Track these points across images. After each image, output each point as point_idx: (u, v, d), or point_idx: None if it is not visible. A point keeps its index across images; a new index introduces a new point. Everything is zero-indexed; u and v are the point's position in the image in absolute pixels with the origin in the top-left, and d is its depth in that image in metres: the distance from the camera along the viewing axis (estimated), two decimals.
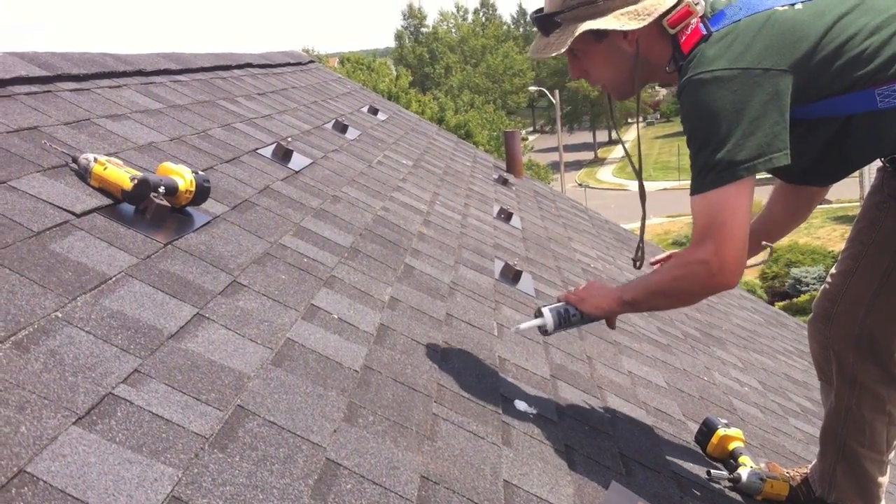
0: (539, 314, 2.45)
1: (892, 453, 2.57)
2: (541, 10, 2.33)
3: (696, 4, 2.13)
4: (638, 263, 2.65)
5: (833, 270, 2.57)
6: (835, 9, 2.04)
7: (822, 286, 2.62)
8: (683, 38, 2.14)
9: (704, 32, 2.10)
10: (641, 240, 2.69)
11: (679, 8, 2.14)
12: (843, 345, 2.50)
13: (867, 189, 2.61)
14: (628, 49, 2.23)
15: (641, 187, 2.58)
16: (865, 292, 2.44)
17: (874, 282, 2.42)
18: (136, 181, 2.26)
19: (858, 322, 2.46)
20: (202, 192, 2.47)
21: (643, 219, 2.65)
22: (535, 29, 2.39)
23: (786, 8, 2.06)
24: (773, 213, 2.69)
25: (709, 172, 2.06)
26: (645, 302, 2.39)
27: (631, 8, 2.16)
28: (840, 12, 2.03)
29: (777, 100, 2.00)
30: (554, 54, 2.27)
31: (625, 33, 2.20)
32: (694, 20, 2.13)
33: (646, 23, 2.15)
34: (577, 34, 2.20)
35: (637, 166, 2.51)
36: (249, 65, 5.73)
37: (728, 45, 2.03)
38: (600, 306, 2.41)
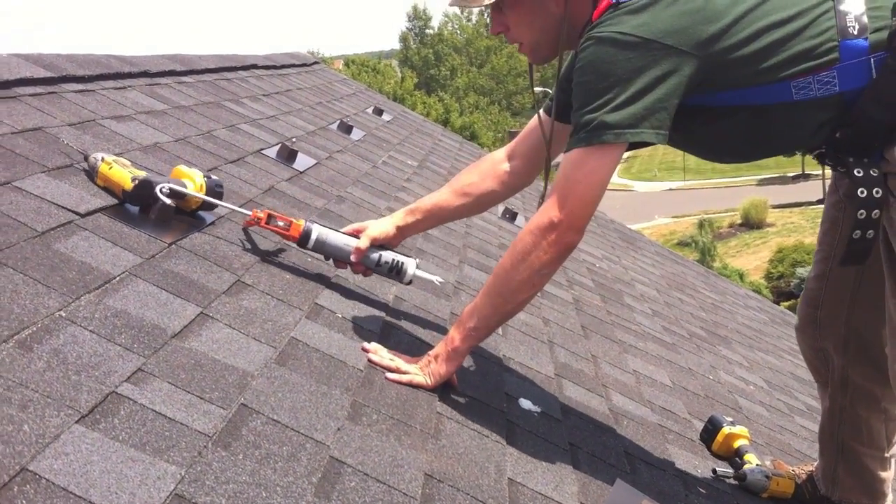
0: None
1: (894, 449, 2.56)
2: None
3: None
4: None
5: (810, 274, 2.57)
6: None
7: (803, 291, 2.61)
8: (599, 4, 2.05)
9: (614, 1, 2.00)
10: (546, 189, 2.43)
11: None
12: (832, 347, 2.50)
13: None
14: (555, 9, 2.13)
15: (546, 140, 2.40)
16: (844, 293, 2.43)
17: (849, 283, 2.41)
18: (136, 181, 2.26)
19: (843, 323, 2.46)
20: (214, 197, 2.45)
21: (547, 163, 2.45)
22: None
23: None
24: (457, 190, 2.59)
25: (581, 129, 1.99)
26: (494, 312, 2.17)
27: None
28: (754, 1, 1.97)
29: (671, 80, 1.93)
30: (479, 7, 2.17)
31: None
32: None
33: None
34: None
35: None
36: (254, 66, 5.74)
37: (634, 12, 1.95)
38: (439, 372, 2.16)
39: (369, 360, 2.14)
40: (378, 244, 2.49)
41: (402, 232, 2.55)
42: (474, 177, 2.57)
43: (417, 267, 2.53)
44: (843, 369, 2.49)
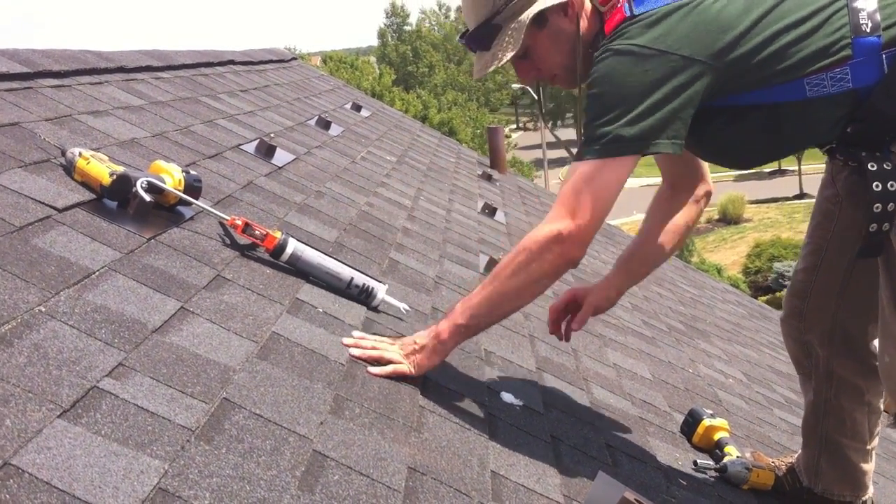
0: None
1: (876, 441, 2.59)
2: (466, 31, 2.23)
3: None
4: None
5: (798, 267, 2.58)
6: (762, 2, 1.99)
7: (790, 284, 2.63)
8: (608, 17, 2.08)
9: (627, 14, 2.02)
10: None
11: None
12: (817, 340, 2.52)
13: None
14: (570, 27, 2.15)
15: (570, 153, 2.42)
16: (833, 287, 2.45)
17: (839, 276, 2.43)
18: (114, 176, 2.25)
19: (830, 316, 2.48)
20: (192, 192, 2.44)
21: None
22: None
23: None
24: (651, 230, 2.58)
25: (594, 142, 1.99)
26: (487, 313, 2.17)
27: None
28: (769, 5, 1.99)
29: (687, 91, 1.95)
30: (510, 55, 2.15)
31: (566, 10, 2.13)
32: (620, 1, 2.06)
33: None
34: (527, 23, 2.11)
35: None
36: (232, 62, 5.71)
37: (649, 25, 1.97)
38: (423, 363, 2.15)
39: (351, 355, 2.13)
40: (594, 310, 2.53)
41: (621, 294, 2.61)
42: (664, 214, 2.57)
43: (386, 293, 2.56)
44: (827, 362, 2.51)
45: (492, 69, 2.21)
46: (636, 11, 2.02)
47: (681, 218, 2.54)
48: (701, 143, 2.20)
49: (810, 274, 2.50)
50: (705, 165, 2.53)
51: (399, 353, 2.17)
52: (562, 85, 2.32)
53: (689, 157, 2.40)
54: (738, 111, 2.07)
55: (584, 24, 2.16)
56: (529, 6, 2.11)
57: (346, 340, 2.18)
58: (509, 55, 2.14)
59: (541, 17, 2.13)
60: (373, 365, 2.13)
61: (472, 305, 2.15)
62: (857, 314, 2.43)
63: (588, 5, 2.16)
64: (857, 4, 1.98)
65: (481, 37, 2.18)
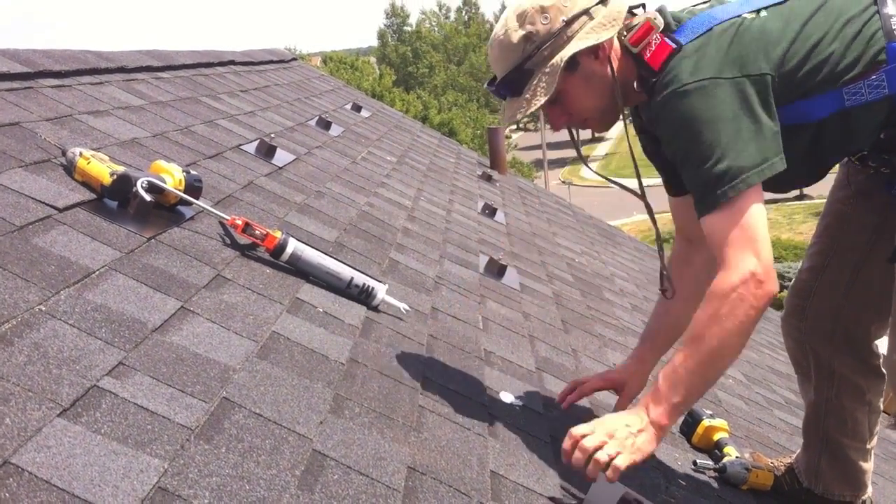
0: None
1: (875, 440, 2.60)
2: (494, 78, 2.17)
3: (654, 20, 2.04)
4: (668, 293, 2.39)
5: (802, 266, 2.59)
6: (799, 14, 2.00)
7: (792, 283, 2.63)
8: (648, 54, 2.03)
9: (674, 46, 1.99)
10: (663, 264, 2.43)
11: (639, 26, 2.05)
12: (819, 339, 2.53)
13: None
14: (602, 69, 2.09)
15: (648, 208, 2.36)
16: (837, 287, 2.46)
17: (846, 277, 2.43)
18: (115, 176, 2.25)
19: (833, 317, 2.48)
20: (193, 192, 2.44)
21: (658, 238, 2.43)
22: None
23: (753, 15, 2.00)
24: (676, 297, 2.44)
25: (718, 185, 1.91)
26: (703, 381, 2.04)
27: (594, 23, 2.05)
28: (804, 18, 1.99)
29: (766, 104, 1.94)
30: (542, 102, 2.08)
31: (596, 53, 2.07)
32: (656, 36, 2.03)
33: (617, 27, 2.05)
34: (560, 69, 2.05)
35: (639, 187, 2.34)
36: (232, 62, 5.72)
37: (705, 55, 1.95)
38: (649, 441, 1.98)
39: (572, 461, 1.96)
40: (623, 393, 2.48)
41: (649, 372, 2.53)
42: (688, 279, 2.45)
43: (386, 293, 2.56)
44: (829, 361, 2.51)
45: (521, 116, 2.15)
46: (682, 41, 1.99)
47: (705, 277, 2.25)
48: None
49: (815, 273, 2.50)
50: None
51: (613, 443, 1.95)
52: (594, 128, 2.26)
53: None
54: (785, 131, 2.01)
55: (621, 67, 2.10)
56: (560, 50, 2.05)
57: (566, 446, 1.98)
58: (542, 101, 2.08)
59: (572, 61, 2.07)
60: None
61: (682, 379, 1.99)
62: (861, 314, 2.44)
63: (617, 45, 2.11)
64: (888, 10, 1.99)
65: (512, 83, 2.11)
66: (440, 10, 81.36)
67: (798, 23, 1.99)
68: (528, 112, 2.11)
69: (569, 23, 2.04)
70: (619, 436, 1.94)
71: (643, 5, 2.13)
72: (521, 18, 2.07)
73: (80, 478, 1.21)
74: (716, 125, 1.91)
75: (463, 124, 48.19)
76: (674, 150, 2.04)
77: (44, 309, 1.62)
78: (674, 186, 2.36)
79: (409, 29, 76.87)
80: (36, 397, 1.34)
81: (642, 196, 2.34)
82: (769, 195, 2.12)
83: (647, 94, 2.08)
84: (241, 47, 6.78)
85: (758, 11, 2.01)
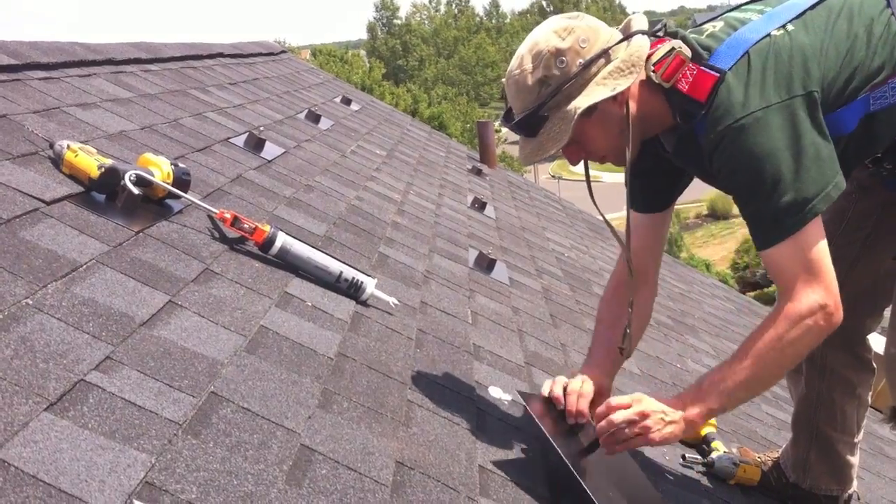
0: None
1: (861, 434, 2.61)
2: (511, 114, 2.11)
3: (681, 49, 1.98)
4: (625, 351, 2.32)
5: None
6: (823, 24, 1.98)
7: None
8: (686, 86, 1.97)
9: (716, 76, 1.93)
10: (628, 324, 2.30)
11: (671, 60, 1.98)
12: None
13: None
14: (619, 110, 2.04)
15: (629, 262, 2.27)
16: None
17: (841, 272, 2.44)
18: (103, 169, 2.24)
19: None
20: (181, 185, 2.43)
21: (628, 229, 2.31)
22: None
23: (781, 32, 1.96)
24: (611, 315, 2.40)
25: (785, 217, 1.91)
26: (747, 395, 2.11)
27: (611, 67, 1.99)
28: (829, 27, 1.98)
29: (816, 121, 1.91)
30: (557, 149, 2.05)
31: (615, 96, 2.01)
32: (689, 67, 1.97)
33: (635, 75, 1.99)
34: (576, 116, 1.99)
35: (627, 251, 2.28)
36: (221, 55, 5.69)
37: (750, 82, 1.91)
38: (674, 434, 2.02)
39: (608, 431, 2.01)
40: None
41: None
42: (618, 304, 2.40)
43: (376, 287, 2.56)
44: (821, 356, 2.52)
45: (537, 160, 2.14)
46: (724, 67, 1.93)
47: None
48: None
49: None
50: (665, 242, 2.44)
51: (656, 416, 2.00)
52: (613, 163, 2.21)
53: (661, 223, 2.39)
54: None
55: (644, 102, 2.06)
56: (577, 95, 1.99)
57: (599, 410, 2.04)
58: (557, 147, 2.05)
59: (591, 105, 2.01)
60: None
61: (727, 389, 2.01)
62: (852, 309, 2.44)
63: (638, 83, 2.04)
64: None
65: (527, 125, 2.06)
66: (430, 3, 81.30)
67: (826, 33, 1.97)
68: (543, 156, 2.10)
69: (586, 66, 1.98)
70: (651, 420, 1.99)
71: (664, 25, 2.06)
72: (537, 60, 2.00)
73: (67, 472, 1.20)
74: (776, 157, 1.88)
75: (453, 118, 48.22)
76: (734, 185, 2.01)
77: (31, 302, 1.61)
78: (648, 204, 2.37)
79: (398, 22, 76.76)
80: (23, 391, 1.34)
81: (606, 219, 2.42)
82: None
83: (686, 123, 2.03)
84: (231, 40, 6.76)
85: (783, 26, 1.97)
